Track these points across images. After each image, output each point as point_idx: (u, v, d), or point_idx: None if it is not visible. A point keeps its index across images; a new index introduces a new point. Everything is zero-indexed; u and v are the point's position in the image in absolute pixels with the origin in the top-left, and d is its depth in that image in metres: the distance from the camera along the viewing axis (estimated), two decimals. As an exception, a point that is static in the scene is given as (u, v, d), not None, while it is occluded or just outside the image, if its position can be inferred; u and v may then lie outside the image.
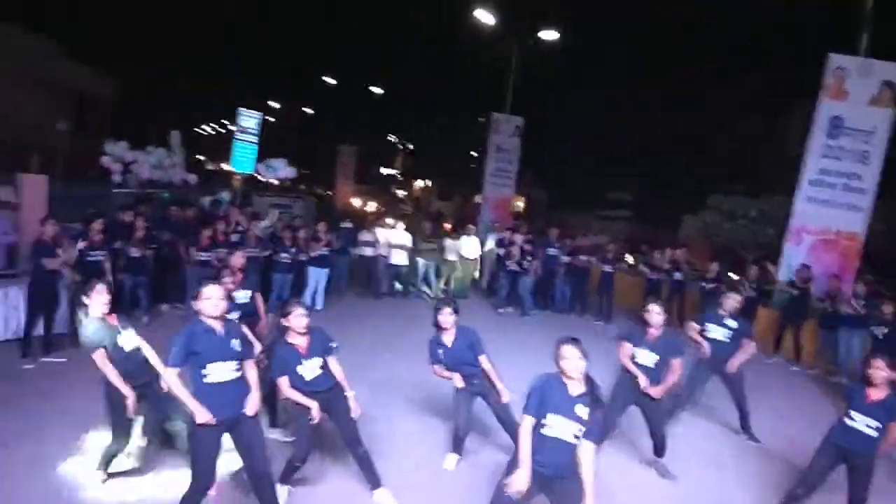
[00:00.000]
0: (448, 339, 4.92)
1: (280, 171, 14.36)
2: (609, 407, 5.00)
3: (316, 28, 35.66)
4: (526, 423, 3.42)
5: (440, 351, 4.93)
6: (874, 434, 4.21)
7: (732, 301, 6.13)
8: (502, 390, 4.82)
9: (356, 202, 33.91)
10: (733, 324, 6.02)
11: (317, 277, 10.09)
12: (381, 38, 36.41)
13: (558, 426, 3.37)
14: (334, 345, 4.41)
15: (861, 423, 4.26)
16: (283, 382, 4.19)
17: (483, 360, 4.88)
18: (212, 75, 35.67)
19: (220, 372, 3.64)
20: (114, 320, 4.22)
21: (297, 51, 36.80)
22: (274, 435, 5.14)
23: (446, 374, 4.93)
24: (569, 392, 3.42)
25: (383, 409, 6.07)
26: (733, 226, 18.54)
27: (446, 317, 4.88)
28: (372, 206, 32.06)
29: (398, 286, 12.07)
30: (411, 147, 54.10)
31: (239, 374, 3.74)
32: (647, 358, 5.03)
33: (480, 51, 23.34)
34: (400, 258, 11.81)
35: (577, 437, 3.38)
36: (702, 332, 6.10)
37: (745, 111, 23.63)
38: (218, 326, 3.71)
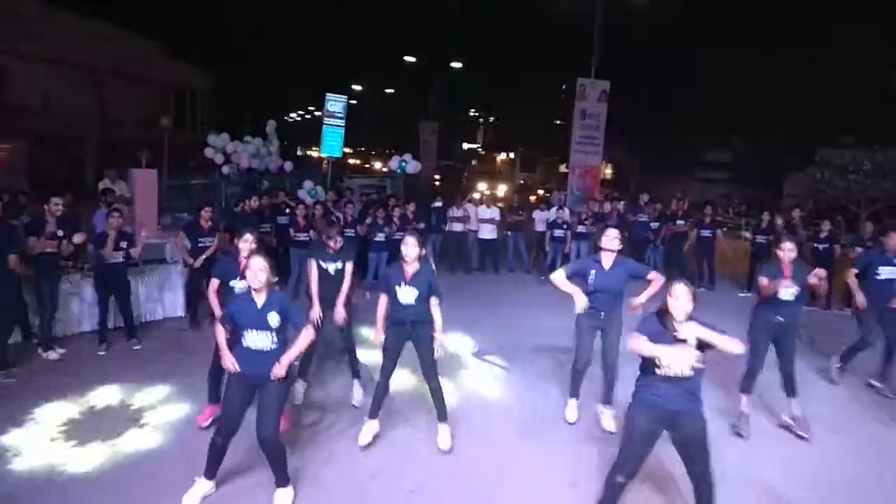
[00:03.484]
0: (607, 262, 4.92)
1: (410, 165, 14.77)
2: (752, 353, 5.17)
3: (393, 6, 35.81)
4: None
5: (592, 271, 4.91)
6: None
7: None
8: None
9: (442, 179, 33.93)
10: None
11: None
12: (460, 10, 36.05)
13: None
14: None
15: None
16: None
17: (654, 275, 4.93)
18: (297, 65, 36.66)
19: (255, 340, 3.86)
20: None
21: (377, 31, 37.15)
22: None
23: (569, 287, 4.85)
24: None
25: (505, 379, 6.18)
26: (844, 181, 17.18)
27: (612, 240, 4.92)
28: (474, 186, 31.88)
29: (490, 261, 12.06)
30: (492, 120, 53.56)
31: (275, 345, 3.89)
32: (787, 293, 5.15)
33: (564, 13, 22.60)
34: (489, 233, 11.81)
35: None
36: (868, 276, 6.11)
37: (853, 59, 21.73)
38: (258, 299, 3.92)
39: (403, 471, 4.41)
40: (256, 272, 3.83)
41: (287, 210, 9.94)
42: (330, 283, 5.41)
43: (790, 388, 5.26)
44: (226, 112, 29.90)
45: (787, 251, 5.22)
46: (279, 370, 3.79)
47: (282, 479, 3.95)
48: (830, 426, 5.41)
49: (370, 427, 4.75)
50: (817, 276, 5.32)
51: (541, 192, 22.99)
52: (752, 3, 25.81)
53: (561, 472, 4.44)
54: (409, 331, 4.64)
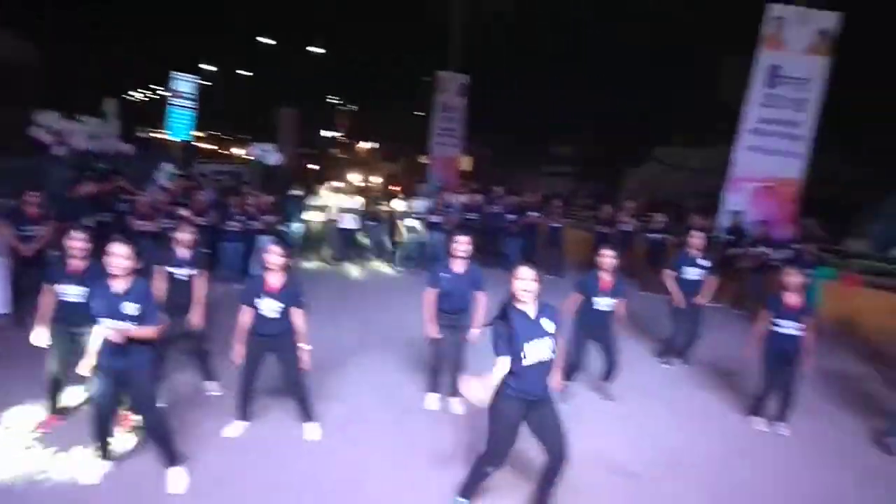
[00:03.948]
0: (457, 267, 5.04)
1: (273, 157, 14.07)
2: (574, 346, 5.52)
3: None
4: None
5: (446, 276, 5.02)
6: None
7: (698, 239, 6.56)
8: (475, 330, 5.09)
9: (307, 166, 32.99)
10: (705, 262, 6.55)
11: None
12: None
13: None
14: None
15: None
16: None
17: (481, 296, 5.05)
18: (140, 38, 33.81)
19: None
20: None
21: (232, 10, 35.10)
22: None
23: (431, 307, 5.08)
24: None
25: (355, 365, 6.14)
26: (677, 177, 18.98)
27: (464, 245, 5.01)
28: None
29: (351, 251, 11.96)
30: (354, 108, 52.84)
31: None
32: (606, 303, 5.39)
33: (425, 7, 22.82)
34: (350, 223, 11.70)
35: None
36: (677, 276, 6.57)
37: (678, 62, 23.93)
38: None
39: (266, 468, 4.26)
40: (118, 259, 3.70)
41: (125, 196, 9.17)
42: (182, 290, 5.14)
43: (609, 373, 5.70)
44: (58, 88, 26.89)
45: (607, 258, 5.37)
46: (115, 335, 3.54)
47: (169, 460, 3.98)
48: (665, 402, 5.99)
49: (236, 426, 4.66)
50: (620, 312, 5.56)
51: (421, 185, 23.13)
52: (599, 9, 27.56)
53: (423, 459, 4.50)
54: (271, 343, 4.48)
